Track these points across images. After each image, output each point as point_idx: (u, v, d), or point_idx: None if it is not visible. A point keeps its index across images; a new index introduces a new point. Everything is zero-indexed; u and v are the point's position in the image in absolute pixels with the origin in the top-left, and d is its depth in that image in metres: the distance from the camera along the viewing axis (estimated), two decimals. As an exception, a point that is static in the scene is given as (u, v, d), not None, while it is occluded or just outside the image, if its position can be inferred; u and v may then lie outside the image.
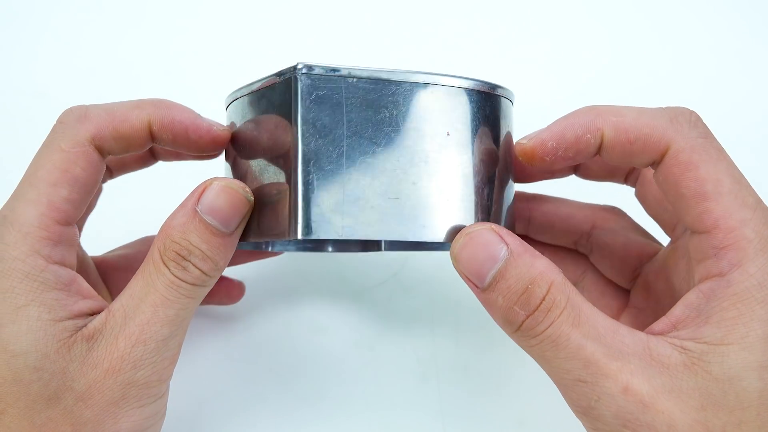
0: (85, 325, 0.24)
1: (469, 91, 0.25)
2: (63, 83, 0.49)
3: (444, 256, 0.28)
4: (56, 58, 0.50)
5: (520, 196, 0.30)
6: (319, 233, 0.23)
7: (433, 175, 0.24)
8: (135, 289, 0.24)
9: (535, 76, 0.47)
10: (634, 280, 0.29)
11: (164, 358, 0.24)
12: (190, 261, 0.24)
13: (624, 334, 0.21)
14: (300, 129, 0.23)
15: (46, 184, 0.24)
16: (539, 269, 0.22)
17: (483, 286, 0.22)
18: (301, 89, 0.23)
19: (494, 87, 0.25)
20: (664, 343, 0.21)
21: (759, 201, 0.22)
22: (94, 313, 0.25)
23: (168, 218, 0.25)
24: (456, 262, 0.23)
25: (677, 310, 0.22)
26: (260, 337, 0.33)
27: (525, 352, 0.32)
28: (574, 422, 0.30)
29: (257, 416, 0.31)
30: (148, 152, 0.31)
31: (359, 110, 0.23)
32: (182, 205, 0.24)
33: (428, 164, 0.24)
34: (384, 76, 0.23)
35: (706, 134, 0.23)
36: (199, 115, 0.27)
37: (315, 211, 0.23)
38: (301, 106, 0.23)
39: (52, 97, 0.48)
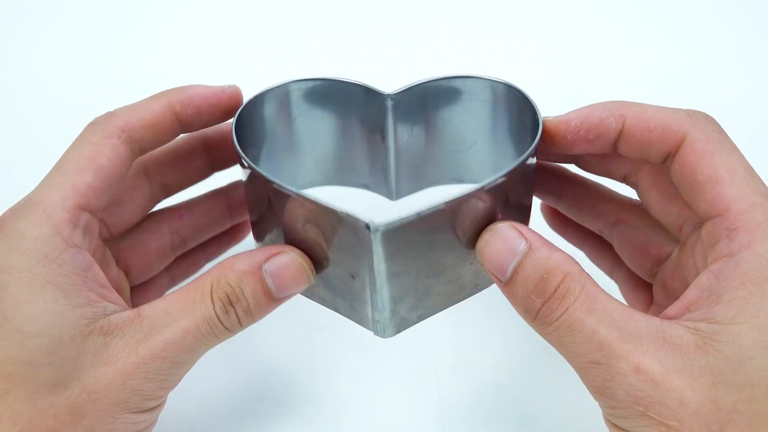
0: (104, 317, 0.24)
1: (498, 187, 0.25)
2: (62, 83, 0.49)
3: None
4: (55, 58, 0.50)
5: (554, 171, 0.30)
6: (400, 330, 0.27)
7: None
8: (172, 306, 0.25)
9: (547, 78, 0.46)
10: (653, 277, 0.29)
11: (172, 380, 0.25)
12: (234, 308, 0.25)
13: (638, 319, 0.22)
14: (379, 276, 0.25)
15: (73, 171, 0.25)
16: (555, 261, 0.23)
17: (505, 280, 0.24)
18: (380, 245, 0.23)
19: (517, 168, 0.25)
20: (676, 325, 0.22)
21: None
22: (105, 302, 0.25)
23: (231, 258, 0.26)
24: (481, 257, 0.25)
25: (690, 293, 0.23)
26: (260, 337, 0.33)
27: (525, 353, 0.32)
28: (574, 422, 0.30)
29: (257, 416, 0.31)
30: (203, 162, 0.32)
31: (424, 245, 0.25)
32: (250, 255, 0.26)
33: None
34: (435, 209, 0.24)
35: (721, 131, 0.24)
36: (207, 85, 0.29)
37: (396, 319, 0.27)
38: (381, 263, 0.24)
39: (52, 97, 0.48)
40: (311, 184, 0.34)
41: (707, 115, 0.25)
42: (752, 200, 0.22)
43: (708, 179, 0.23)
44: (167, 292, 0.32)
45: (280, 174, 0.32)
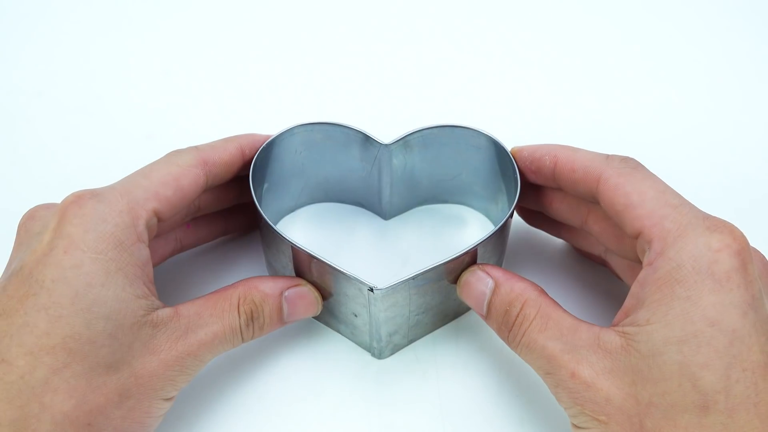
0: (153, 311, 0.26)
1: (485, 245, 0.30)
2: (63, 83, 0.49)
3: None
4: (56, 58, 0.50)
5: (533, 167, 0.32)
6: (394, 352, 0.33)
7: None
8: (203, 310, 0.28)
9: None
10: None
11: (193, 375, 0.28)
12: (253, 323, 0.29)
13: (582, 330, 0.25)
14: (378, 320, 0.30)
15: (158, 182, 0.28)
16: (516, 292, 0.27)
17: (483, 315, 0.29)
18: (380, 302, 0.28)
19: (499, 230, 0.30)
20: (611, 332, 0.25)
21: (684, 202, 0.26)
22: (153, 297, 0.27)
23: (257, 279, 0.30)
24: (462, 298, 0.30)
25: (626, 301, 0.25)
26: (260, 337, 0.33)
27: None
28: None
29: (257, 416, 0.31)
30: (237, 191, 0.35)
31: (417, 294, 0.30)
32: (274, 280, 0.30)
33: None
34: (426, 271, 0.28)
35: (636, 166, 0.28)
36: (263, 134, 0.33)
37: (391, 346, 0.32)
38: (380, 312, 0.29)
39: (52, 97, 0.48)
40: (313, 200, 0.39)
41: (624, 157, 0.28)
42: (662, 213, 0.25)
43: (624, 207, 0.26)
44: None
45: (287, 192, 0.37)
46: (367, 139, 0.33)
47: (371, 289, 0.28)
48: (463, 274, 0.30)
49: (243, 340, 0.29)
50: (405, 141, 0.33)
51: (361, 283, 0.28)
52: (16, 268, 0.25)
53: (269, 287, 0.30)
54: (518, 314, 0.27)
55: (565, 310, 0.27)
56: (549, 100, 0.48)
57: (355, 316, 0.30)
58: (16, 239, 0.28)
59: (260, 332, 0.30)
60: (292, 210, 0.39)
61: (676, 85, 0.49)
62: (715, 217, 0.25)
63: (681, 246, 0.24)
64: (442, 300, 0.31)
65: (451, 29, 0.54)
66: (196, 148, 0.31)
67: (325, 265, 0.28)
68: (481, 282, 0.29)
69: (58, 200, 0.40)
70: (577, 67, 0.51)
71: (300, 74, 0.50)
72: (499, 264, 0.35)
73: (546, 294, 0.27)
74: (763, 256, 0.26)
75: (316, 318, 0.33)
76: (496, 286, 0.28)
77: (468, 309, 0.34)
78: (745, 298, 0.23)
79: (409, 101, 0.47)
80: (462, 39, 0.53)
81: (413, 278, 0.28)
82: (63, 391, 0.23)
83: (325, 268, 0.29)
